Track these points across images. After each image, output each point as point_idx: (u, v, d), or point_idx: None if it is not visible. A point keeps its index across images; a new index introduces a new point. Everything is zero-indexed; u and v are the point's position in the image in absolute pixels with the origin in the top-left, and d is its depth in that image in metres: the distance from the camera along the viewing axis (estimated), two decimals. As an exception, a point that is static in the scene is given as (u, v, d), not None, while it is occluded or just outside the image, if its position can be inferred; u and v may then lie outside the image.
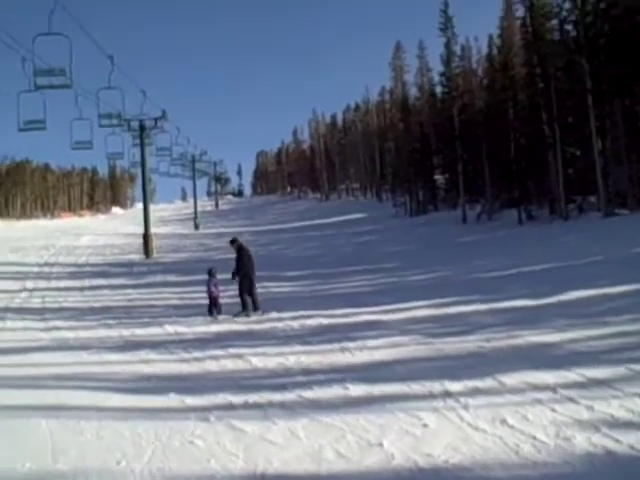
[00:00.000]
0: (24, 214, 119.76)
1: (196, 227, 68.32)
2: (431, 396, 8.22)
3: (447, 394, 8.23)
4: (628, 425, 6.78)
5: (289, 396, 8.62)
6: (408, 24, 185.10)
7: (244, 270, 16.42)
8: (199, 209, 78.14)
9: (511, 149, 42.18)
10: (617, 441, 6.34)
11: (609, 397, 7.68)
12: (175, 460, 6.53)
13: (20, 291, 23.42)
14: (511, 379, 8.64)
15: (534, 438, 6.58)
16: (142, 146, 42.09)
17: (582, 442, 6.40)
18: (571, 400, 7.65)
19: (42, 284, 25.53)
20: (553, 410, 7.38)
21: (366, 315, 14.78)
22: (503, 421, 7.13)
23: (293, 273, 25.12)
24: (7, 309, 19.19)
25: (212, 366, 10.79)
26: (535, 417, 7.20)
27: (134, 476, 6.15)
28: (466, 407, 7.67)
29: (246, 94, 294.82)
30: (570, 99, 37.42)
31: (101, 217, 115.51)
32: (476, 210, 47.61)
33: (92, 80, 34.21)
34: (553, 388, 8.15)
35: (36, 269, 31.13)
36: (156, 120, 42.35)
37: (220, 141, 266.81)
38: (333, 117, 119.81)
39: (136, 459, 6.59)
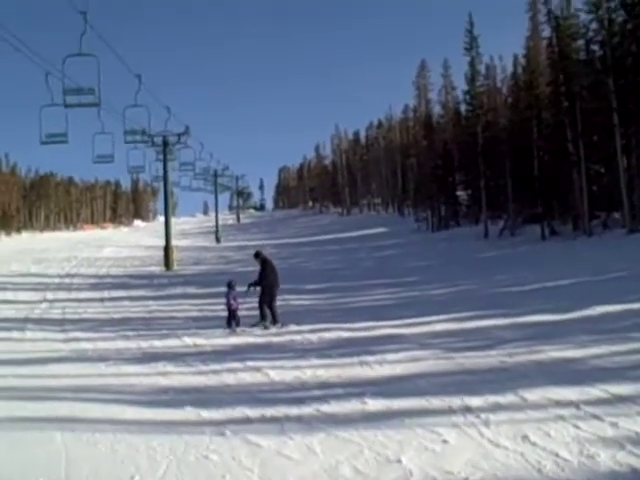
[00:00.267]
0: (48, 226, 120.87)
1: (217, 240, 68.37)
2: (451, 411, 8.05)
3: (467, 409, 8.06)
4: (654, 443, 6.58)
5: (306, 410, 8.48)
6: (432, 43, 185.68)
7: (267, 282, 16.38)
8: (220, 222, 78.28)
9: (534, 166, 42.09)
10: (643, 459, 6.15)
11: (634, 414, 7.49)
12: (189, 475, 6.42)
13: (40, 302, 23.46)
14: (533, 395, 8.46)
15: (557, 455, 6.41)
16: (165, 161, 42.34)
17: (606, 460, 6.22)
18: (595, 417, 7.47)
19: (62, 295, 25.58)
20: (576, 427, 7.19)
21: (386, 329, 14.63)
22: (525, 437, 6.96)
23: (313, 286, 25.00)
24: (27, 320, 19.20)
25: (230, 379, 10.67)
26: (558, 434, 7.02)
27: (147, 492, 6.05)
28: (487, 423, 7.50)
29: (269, 110, 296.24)
30: (595, 117, 37.37)
31: (123, 229, 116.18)
32: (498, 226, 47.31)
33: (117, 96, 34.48)
34: (576, 404, 7.96)
35: (57, 280, 31.25)
36: (179, 136, 42.57)
37: (242, 157, 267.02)
38: (356, 134, 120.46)
39: (150, 474, 6.48)
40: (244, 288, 16.68)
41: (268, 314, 16.22)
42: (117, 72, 33.09)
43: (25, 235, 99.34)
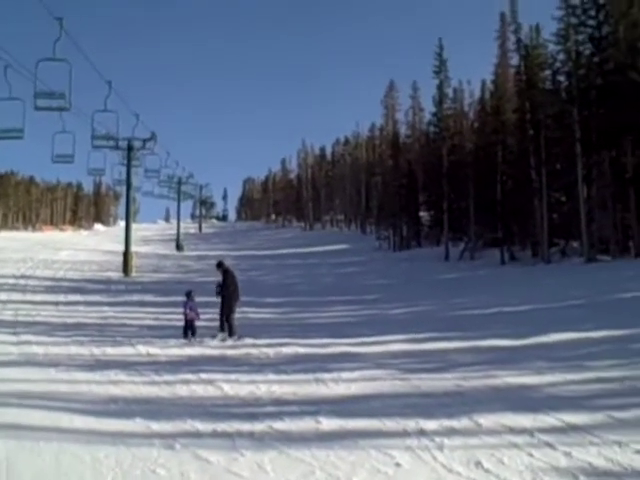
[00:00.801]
0: (5, 225, 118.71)
1: (180, 248, 67.51)
2: (405, 434, 7.97)
3: (422, 433, 7.98)
4: (607, 474, 6.59)
5: (259, 426, 8.33)
6: (401, 62, 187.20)
7: (227, 293, 16.25)
8: (182, 231, 77.62)
9: (497, 191, 42.57)
10: (595, 492, 6.13)
11: (587, 444, 7.47)
12: (134, 490, 6.24)
13: (-7, 303, 22.97)
14: (488, 420, 8.41)
15: (510, 484, 6.35)
16: (129, 166, 41.94)
17: (559, 491, 6.17)
18: (549, 445, 7.44)
19: (16, 297, 25.07)
20: (530, 455, 7.15)
21: (343, 346, 14.54)
22: (478, 464, 6.90)
23: (272, 300, 24.84)
24: (-23, 320, 18.76)
25: (182, 391, 10.49)
26: (511, 461, 6.97)
27: (89, 506, 5.84)
28: (441, 447, 7.43)
29: (236, 121, 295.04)
30: (558, 146, 38.22)
31: (83, 233, 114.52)
32: (459, 248, 47.63)
33: (85, 99, 33.86)
34: (530, 432, 7.93)
35: (12, 281, 30.63)
36: (145, 141, 42.21)
37: (207, 165, 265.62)
38: (322, 149, 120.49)
39: (93, 487, 6.29)
40: (204, 299, 16.52)
41: (226, 326, 16.06)
42: (85, 75, 32.63)
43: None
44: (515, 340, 14.64)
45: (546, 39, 40.55)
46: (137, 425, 8.39)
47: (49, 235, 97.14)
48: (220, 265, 17.20)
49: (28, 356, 13.58)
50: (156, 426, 8.34)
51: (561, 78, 39.14)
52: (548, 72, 40.52)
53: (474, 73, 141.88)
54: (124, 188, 44.85)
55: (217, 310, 16.47)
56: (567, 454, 7.11)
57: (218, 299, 16.43)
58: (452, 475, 6.59)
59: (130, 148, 41.27)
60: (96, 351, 14.23)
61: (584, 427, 8.03)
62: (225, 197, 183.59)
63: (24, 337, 16.08)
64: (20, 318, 19.63)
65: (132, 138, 41.17)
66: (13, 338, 15.96)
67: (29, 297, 25.31)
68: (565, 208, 39.81)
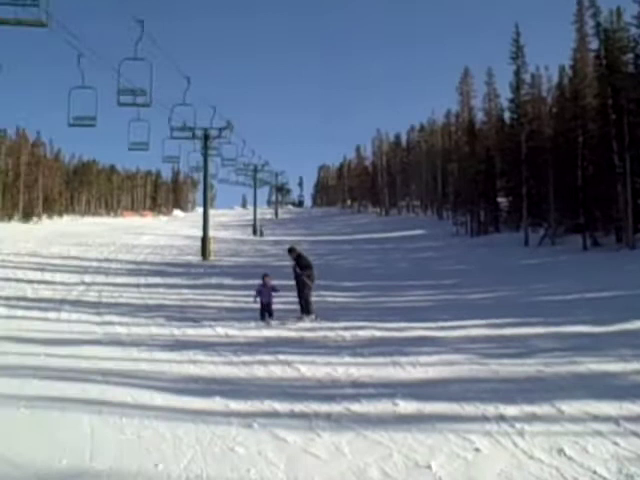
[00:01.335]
0: (89, 211, 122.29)
1: (260, 234, 67.93)
2: (484, 419, 7.82)
3: (501, 418, 7.82)
4: (697, 465, 6.29)
5: (336, 408, 8.31)
6: (475, 48, 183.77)
7: (305, 276, 16.31)
8: (258, 217, 78.43)
9: (578, 176, 41.48)
10: (685, 482, 5.87)
11: (676, 434, 7.18)
12: (214, 467, 6.28)
13: (78, 284, 23.67)
14: (571, 407, 8.18)
15: (594, 472, 6.14)
16: (205, 155, 42.65)
17: (647, 480, 5.94)
18: (635, 434, 7.17)
19: (100, 279, 25.78)
20: (615, 443, 6.90)
21: (421, 330, 14.39)
22: (560, 451, 6.70)
23: (349, 284, 24.82)
24: (64, 301, 19.35)
25: (260, 371, 10.56)
26: (596, 449, 6.74)
27: (170, 481, 5.93)
28: (521, 433, 7.26)
29: (311, 109, 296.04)
30: (643, 131, 36.68)
31: (162, 218, 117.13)
32: (539, 234, 46.64)
33: (161, 93, 34.79)
34: (615, 420, 7.66)
35: (95, 264, 31.54)
36: (221, 130, 42.79)
37: (283, 155, 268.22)
38: (397, 137, 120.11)
39: (174, 463, 6.36)
40: (279, 282, 16.65)
41: (304, 305, 16.17)
42: (161, 70, 33.31)
43: (66, 219, 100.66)
44: (598, 327, 14.22)
45: (627, 22, 39.33)
46: (216, 404, 8.47)
47: (130, 221, 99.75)
48: (292, 250, 17.25)
49: (111, 336, 13.91)
50: (234, 405, 8.41)
51: (644, 61, 37.81)
52: (630, 55, 39.22)
53: (551, 59, 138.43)
54: (201, 175, 45.48)
55: (294, 294, 16.56)
56: (655, 444, 6.85)
57: (294, 282, 16.54)
58: (533, 462, 6.42)
59: (207, 137, 41.89)
60: (176, 332, 14.48)
61: (673, 416, 7.73)
62: (301, 184, 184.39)
63: (107, 317, 16.49)
64: (103, 299, 20.16)
65: (209, 127, 41.81)
66: (97, 318, 16.38)
67: (112, 279, 25.98)
68: (651, 193, 38.48)
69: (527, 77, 53.66)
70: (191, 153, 48.06)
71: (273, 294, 16.48)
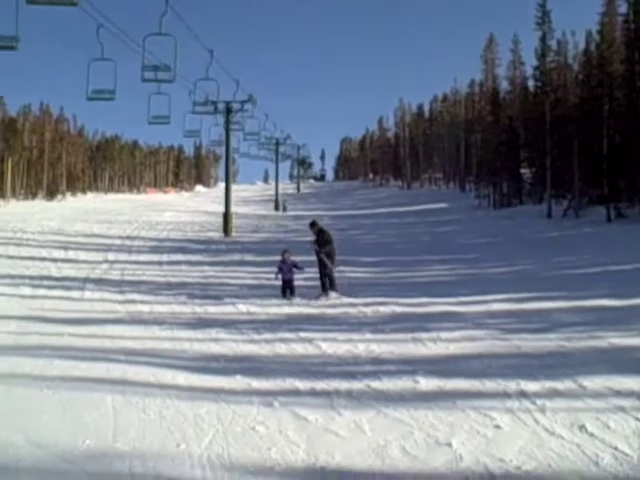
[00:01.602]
0: (112, 188, 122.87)
1: (283, 209, 67.72)
2: (505, 395, 7.80)
3: (523, 394, 7.80)
4: None
5: (357, 385, 8.33)
6: (499, 17, 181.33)
7: (327, 252, 16.29)
8: (280, 191, 78.41)
9: (603, 146, 40.92)
10: None
11: (700, 410, 7.12)
12: (235, 446, 6.32)
13: (101, 263, 23.85)
14: (592, 383, 8.14)
15: (616, 449, 6.11)
16: (227, 129, 42.49)
17: (668, 457, 5.91)
18: (657, 410, 7.13)
19: (123, 257, 25.97)
20: (637, 419, 6.86)
21: (442, 306, 14.38)
22: (582, 427, 6.67)
23: (369, 259, 24.80)
24: (87, 279, 19.52)
25: (281, 349, 10.61)
26: (617, 426, 6.70)
27: (192, 461, 5.95)
28: (542, 410, 7.23)
29: (333, 80, 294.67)
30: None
31: (185, 194, 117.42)
32: (562, 206, 46.22)
33: (183, 67, 34.54)
34: (638, 395, 7.60)
35: (118, 242, 31.75)
36: (242, 103, 42.63)
37: (305, 126, 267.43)
38: (419, 107, 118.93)
39: (196, 443, 6.41)
40: (301, 257, 16.68)
41: (327, 283, 16.15)
42: (184, 44, 33.04)
43: (90, 196, 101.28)
44: (621, 300, 14.12)
45: (657, -16, 38.50)
46: (237, 383, 8.53)
47: (153, 197, 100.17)
48: (314, 225, 17.20)
49: (133, 314, 14.02)
50: (256, 384, 8.46)
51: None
52: (660, 19, 38.45)
53: (578, 23, 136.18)
54: (223, 149, 45.53)
55: (315, 270, 16.55)
56: (678, 419, 6.81)
57: (314, 258, 16.55)
58: (554, 438, 6.41)
59: (229, 110, 41.74)
60: (198, 310, 14.57)
61: (697, 392, 7.66)
62: (323, 157, 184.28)
63: (130, 296, 16.62)
64: (126, 277, 20.32)
65: (231, 101, 41.64)
66: (120, 297, 16.52)
67: (134, 257, 26.17)
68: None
69: (553, 43, 53.00)
70: (212, 127, 47.78)
71: (295, 271, 16.49)
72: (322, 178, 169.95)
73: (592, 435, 6.47)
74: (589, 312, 13.19)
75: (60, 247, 27.99)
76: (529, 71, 59.21)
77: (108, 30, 24.58)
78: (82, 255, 25.82)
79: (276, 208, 70.18)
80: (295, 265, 16.54)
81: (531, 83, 58.22)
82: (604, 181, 40.86)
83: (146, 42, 26.30)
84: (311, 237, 17.18)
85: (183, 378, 8.73)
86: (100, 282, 19.11)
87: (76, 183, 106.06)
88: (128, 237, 34.48)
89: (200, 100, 39.95)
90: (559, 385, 8.11)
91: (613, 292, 15.16)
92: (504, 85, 74.74)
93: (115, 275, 20.84)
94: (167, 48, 26.37)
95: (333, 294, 15.90)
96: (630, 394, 7.67)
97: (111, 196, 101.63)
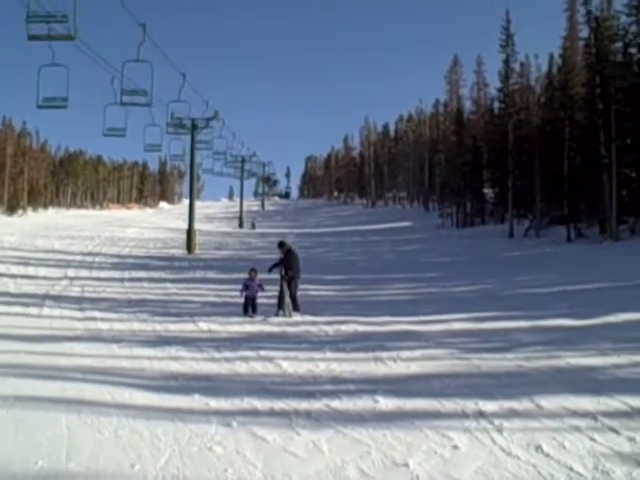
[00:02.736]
0: (74, 204, 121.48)
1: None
2: (464, 415, 7.84)
3: (481, 414, 7.84)
4: (673, 461, 6.32)
5: (316, 405, 8.31)
6: (465, 36, 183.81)
7: (292, 272, 16.31)
8: (245, 209, 78.20)
9: (564, 167, 41.63)
10: (660, 479, 5.90)
11: (654, 430, 7.21)
12: (191, 467, 6.26)
13: (61, 279, 23.53)
14: (549, 403, 8.21)
15: (570, 469, 6.17)
16: (192, 145, 42.19)
17: (622, 477, 5.99)
18: (612, 430, 7.21)
19: (83, 273, 25.66)
20: (592, 439, 6.95)
21: (403, 324, 14.43)
22: (538, 447, 6.73)
23: (333, 277, 24.81)
24: (46, 296, 19.24)
25: (241, 368, 10.54)
26: (572, 446, 6.78)
27: (146, 482, 5.90)
28: (500, 430, 7.28)
29: (298, 99, 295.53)
30: (630, 121, 36.80)
31: (148, 211, 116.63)
32: (524, 225, 46.82)
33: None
34: (593, 415, 7.71)
35: (79, 258, 31.35)
36: (208, 120, 42.48)
37: (270, 143, 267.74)
38: (385, 126, 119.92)
39: (151, 463, 6.34)
40: (264, 276, 16.64)
41: (288, 303, 16.11)
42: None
43: (51, 211, 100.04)
44: (580, 320, 14.30)
45: (617, 10, 39.43)
46: (195, 402, 8.45)
47: (116, 213, 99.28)
48: (282, 245, 17.23)
49: (93, 332, 13.85)
50: (214, 403, 8.39)
51: (633, 50, 37.93)
52: (619, 44, 39.23)
53: (542, 47, 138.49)
54: (187, 166, 45.37)
55: (277, 288, 16.52)
56: (631, 439, 6.89)
57: (272, 272, 16.58)
58: (511, 459, 6.45)
59: (194, 127, 41.56)
60: (159, 327, 14.44)
61: (650, 411, 7.77)
62: (288, 175, 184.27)
63: (89, 313, 16.42)
64: (86, 294, 20.07)
65: (196, 118, 41.51)
66: (79, 314, 16.31)
67: (95, 274, 25.87)
68: (635, 184, 38.59)
69: (516, 66, 53.73)
70: (173, 141, 47.11)
71: (258, 289, 16.46)
72: (287, 196, 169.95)
73: (548, 455, 6.53)
74: (548, 332, 13.33)
75: (19, 263, 27.56)
76: (493, 92, 60.12)
77: (106, 73, 25.63)
78: (42, 271, 25.45)
79: (240, 225, 69.94)
80: (260, 286, 16.50)
81: (495, 104, 59.00)
82: (564, 202, 41.47)
83: (125, 68, 27.45)
84: (279, 254, 17.09)
85: (141, 397, 8.63)
86: (59, 299, 18.85)
87: (38, 198, 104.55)
88: (89, 253, 34.08)
89: (173, 122, 40.34)
90: (517, 405, 8.17)
91: (572, 312, 15.34)
92: (468, 105, 75.70)
93: (75, 292, 20.57)
94: (138, 69, 27.05)
95: (295, 314, 15.89)
96: (586, 414, 7.76)
97: (73, 212, 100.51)
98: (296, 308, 16.16)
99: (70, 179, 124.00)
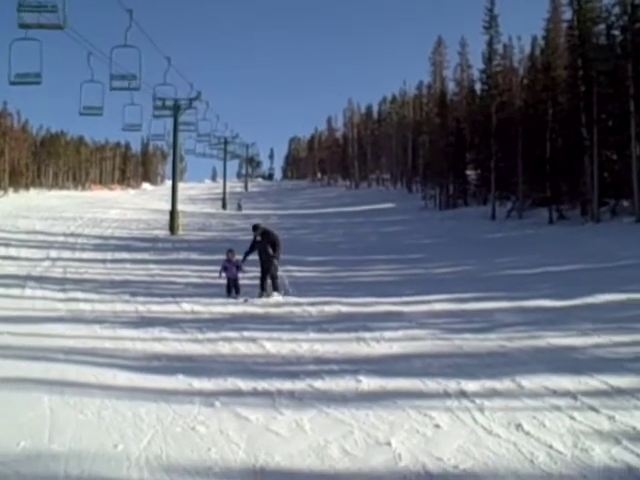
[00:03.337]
0: (56, 184, 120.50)
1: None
2: (446, 395, 7.90)
3: (462, 394, 7.90)
4: (651, 439, 6.41)
5: (299, 385, 8.33)
6: (447, 20, 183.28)
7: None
8: (228, 190, 77.90)
9: (546, 149, 41.79)
10: (639, 456, 5.97)
11: (632, 408, 7.30)
12: (174, 447, 6.25)
13: (43, 260, 23.43)
14: (530, 382, 8.29)
15: (550, 447, 6.23)
16: (175, 126, 41.92)
17: (601, 454, 6.04)
18: (592, 409, 7.29)
19: (66, 254, 25.54)
20: (572, 418, 7.01)
21: (386, 305, 14.50)
22: (519, 426, 6.78)
23: (316, 258, 24.86)
24: (29, 277, 19.15)
25: (224, 348, 10.55)
26: (553, 424, 6.84)
27: (129, 463, 5.86)
28: (481, 409, 7.34)
29: (283, 79, 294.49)
30: (611, 103, 37.01)
31: (131, 192, 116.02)
32: (506, 207, 47.04)
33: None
34: (573, 394, 7.78)
35: (61, 239, 31.22)
36: (191, 101, 42.18)
37: (254, 124, 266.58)
38: (368, 108, 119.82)
39: (134, 443, 6.33)
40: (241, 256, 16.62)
41: (269, 284, 16.11)
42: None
43: (33, 192, 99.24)
44: (561, 301, 14.43)
45: (601, -8, 39.34)
46: (179, 382, 8.45)
47: (98, 194, 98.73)
48: (256, 228, 17.04)
49: (75, 313, 13.81)
50: (197, 384, 8.40)
51: (616, 32, 37.87)
52: (602, 26, 39.23)
53: (525, 28, 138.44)
54: (166, 145, 45.39)
55: (258, 269, 16.47)
56: (610, 418, 6.96)
57: (247, 261, 16.58)
58: (492, 437, 6.50)
59: (177, 108, 41.26)
60: (141, 308, 14.41)
61: (629, 390, 7.86)
62: (271, 156, 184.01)
63: (72, 294, 16.35)
64: (69, 275, 20.00)
65: (179, 99, 41.23)
66: (61, 295, 16.24)
67: (78, 255, 25.76)
68: (616, 166, 38.84)
69: (500, 47, 53.80)
70: (153, 121, 46.55)
71: (238, 274, 16.42)
72: (270, 177, 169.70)
73: (528, 434, 6.58)
74: (530, 312, 13.45)
75: (1, 244, 27.38)
76: (476, 74, 60.16)
77: (96, 56, 26.07)
78: (24, 252, 25.34)
79: (224, 207, 69.67)
80: (238, 266, 16.45)
81: (478, 86, 59.09)
82: (547, 184, 41.67)
83: (113, 53, 28.42)
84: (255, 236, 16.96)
85: (124, 378, 8.62)
86: (42, 280, 18.76)
87: (19, 179, 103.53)
88: (72, 234, 33.93)
89: (156, 103, 40.25)
90: (498, 384, 8.24)
91: (553, 293, 15.48)
92: (452, 87, 75.70)
93: (57, 273, 20.48)
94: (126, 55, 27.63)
95: (275, 294, 15.89)
96: (566, 393, 7.83)
97: (55, 192, 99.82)
98: (276, 288, 16.14)
99: (52, 160, 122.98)
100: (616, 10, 37.08)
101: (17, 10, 21.69)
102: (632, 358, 9.50)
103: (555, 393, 7.86)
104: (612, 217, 36.18)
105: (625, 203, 37.17)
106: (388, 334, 11.38)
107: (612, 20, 37.84)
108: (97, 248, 28.46)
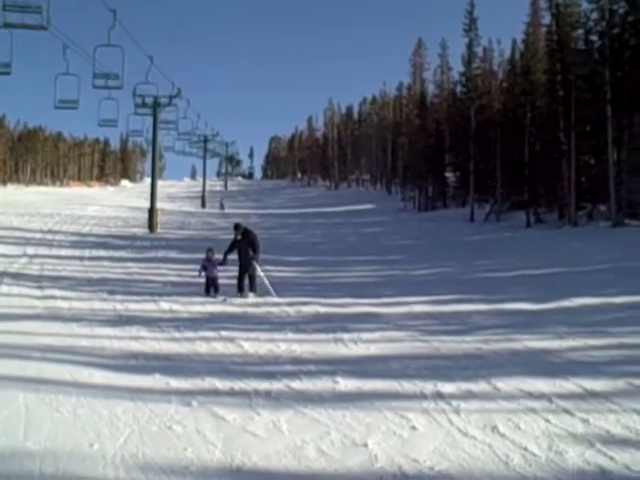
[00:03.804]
0: (34, 180, 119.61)
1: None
2: (422, 396, 7.94)
3: (439, 395, 7.95)
4: (624, 443, 6.47)
5: (276, 385, 8.34)
6: (430, 19, 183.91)
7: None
8: (208, 188, 77.66)
9: (525, 153, 42.08)
10: (612, 459, 6.03)
11: (606, 411, 7.38)
12: (150, 446, 6.24)
13: (20, 257, 23.23)
14: (506, 385, 8.36)
15: (525, 449, 6.29)
16: (155, 124, 41.64)
17: (575, 457, 6.10)
18: (566, 411, 7.36)
19: (43, 251, 25.34)
20: (547, 421, 7.08)
21: (364, 306, 14.54)
22: (494, 428, 6.84)
23: (295, 258, 24.87)
24: (4, 274, 18.98)
25: (202, 348, 10.54)
26: (528, 427, 6.90)
27: (105, 462, 5.84)
28: (457, 411, 7.39)
29: (263, 78, 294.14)
30: (589, 108, 37.34)
31: (110, 189, 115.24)
32: (485, 210, 47.31)
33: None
34: (548, 397, 7.86)
35: (39, 236, 30.95)
36: (171, 98, 41.95)
37: (234, 123, 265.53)
38: (349, 108, 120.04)
39: (110, 442, 6.30)
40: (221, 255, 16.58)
41: (247, 284, 16.09)
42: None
43: (10, 188, 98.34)
44: (537, 304, 14.54)
45: (579, -3, 39.65)
46: (156, 381, 8.44)
47: (76, 191, 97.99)
48: (238, 227, 17.03)
49: (52, 310, 13.73)
50: (174, 383, 8.38)
51: (594, 38, 38.20)
52: (580, 31, 39.54)
53: (505, 32, 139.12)
54: (148, 143, 45.10)
55: (237, 268, 16.45)
56: (585, 421, 7.04)
57: (227, 261, 16.53)
58: (467, 439, 6.55)
59: (156, 105, 41.00)
60: (119, 307, 14.34)
61: (603, 394, 7.94)
62: (251, 155, 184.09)
63: (49, 291, 16.25)
64: (46, 272, 19.85)
65: (159, 96, 40.98)
66: (38, 292, 16.13)
67: (55, 252, 25.57)
68: (594, 171, 39.22)
69: (479, 50, 54.12)
70: (130, 116, 45.78)
71: (219, 268, 16.40)
72: (250, 176, 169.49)
73: (503, 436, 6.64)
74: (506, 315, 13.55)
75: (-24, 240, 27.12)
76: (456, 76, 60.32)
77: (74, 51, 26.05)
78: (0, 249, 25.07)
79: (203, 205, 69.39)
80: (219, 264, 16.43)
81: (458, 88, 59.26)
82: (525, 187, 41.95)
83: (96, 52, 28.72)
84: (235, 236, 16.92)
85: (100, 376, 8.58)
86: (18, 277, 18.62)
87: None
88: (49, 231, 33.65)
89: (136, 101, 40.07)
90: (474, 387, 8.30)
91: (530, 296, 15.59)
92: (432, 89, 75.93)
93: (34, 270, 20.32)
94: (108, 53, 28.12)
95: (251, 295, 15.88)
96: (541, 396, 7.91)
97: (33, 188, 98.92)
98: (253, 289, 16.12)
99: (29, 155, 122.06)
100: (594, 15, 37.37)
101: (2, 9, 21.81)
102: (606, 361, 9.60)
103: (530, 396, 7.93)
104: (589, 221, 36.50)
105: (602, 207, 37.54)
106: (366, 335, 11.42)
107: (590, 25, 38.14)
108: (75, 245, 28.27)
